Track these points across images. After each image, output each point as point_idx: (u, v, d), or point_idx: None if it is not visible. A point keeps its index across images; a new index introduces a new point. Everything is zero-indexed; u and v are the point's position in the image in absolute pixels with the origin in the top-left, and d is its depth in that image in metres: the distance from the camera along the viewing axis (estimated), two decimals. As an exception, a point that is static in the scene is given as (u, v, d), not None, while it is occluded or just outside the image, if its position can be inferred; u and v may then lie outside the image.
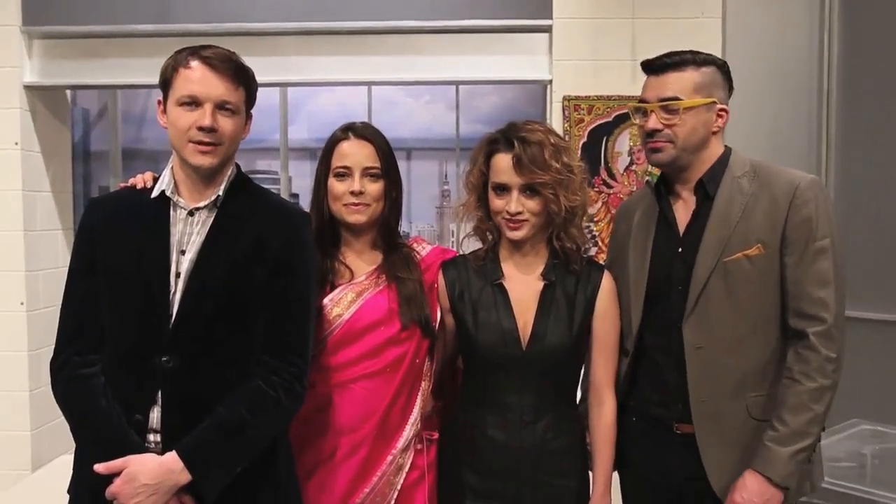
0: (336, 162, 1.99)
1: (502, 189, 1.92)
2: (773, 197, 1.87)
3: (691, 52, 1.92)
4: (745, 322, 1.87)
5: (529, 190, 1.90)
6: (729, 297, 1.87)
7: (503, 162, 1.91)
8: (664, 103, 1.89)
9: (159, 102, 1.78)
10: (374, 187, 1.99)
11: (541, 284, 1.96)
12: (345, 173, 1.98)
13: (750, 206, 1.88)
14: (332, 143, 2.01)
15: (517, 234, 1.93)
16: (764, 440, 1.81)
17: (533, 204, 1.90)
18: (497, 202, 1.93)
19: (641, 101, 1.95)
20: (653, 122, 1.90)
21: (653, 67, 1.94)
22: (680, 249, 1.94)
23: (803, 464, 1.82)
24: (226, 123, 1.73)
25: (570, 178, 1.91)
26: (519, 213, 1.90)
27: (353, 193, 1.96)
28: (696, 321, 1.88)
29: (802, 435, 1.79)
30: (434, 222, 4.99)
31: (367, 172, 1.98)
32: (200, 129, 1.69)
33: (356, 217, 1.98)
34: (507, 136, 1.93)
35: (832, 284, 1.83)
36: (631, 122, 3.31)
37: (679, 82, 1.89)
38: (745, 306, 1.87)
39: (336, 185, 1.98)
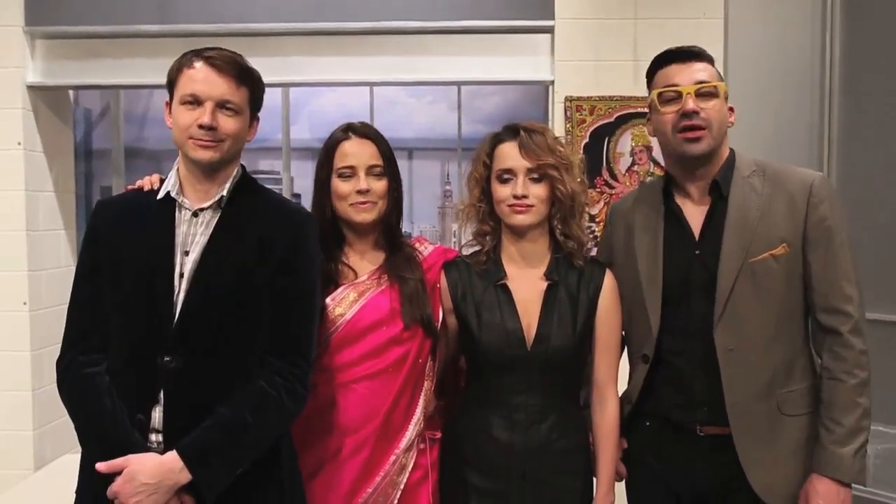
0: (339, 162, 1.99)
1: (508, 175, 1.93)
2: (790, 196, 1.88)
3: (698, 47, 1.95)
4: (774, 321, 1.88)
5: (535, 176, 1.92)
6: (758, 297, 1.87)
7: (509, 149, 1.94)
8: (701, 86, 1.88)
9: (167, 104, 1.79)
10: (379, 185, 1.99)
11: (544, 284, 1.97)
12: (349, 173, 1.98)
13: (766, 205, 1.89)
14: (333, 143, 2.01)
15: (523, 219, 1.93)
16: (824, 444, 1.83)
17: (538, 189, 1.92)
18: (502, 190, 1.94)
19: (670, 86, 1.91)
20: (691, 104, 1.87)
21: (677, 56, 1.93)
22: (697, 252, 1.93)
23: (864, 458, 1.84)
24: (226, 122, 1.74)
25: (572, 163, 1.94)
26: (525, 196, 1.91)
27: (359, 192, 1.97)
28: (726, 324, 1.87)
29: (859, 430, 1.82)
30: (436, 222, 5.00)
31: (371, 171, 1.99)
32: (200, 126, 1.71)
33: (363, 216, 1.98)
34: (510, 129, 1.97)
35: (854, 279, 1.87)
36: (633, 122, 3.34)
37: (707, 70, 1.91)
38: (773, 305, 1.88)
39: (341, 185, 1.98)
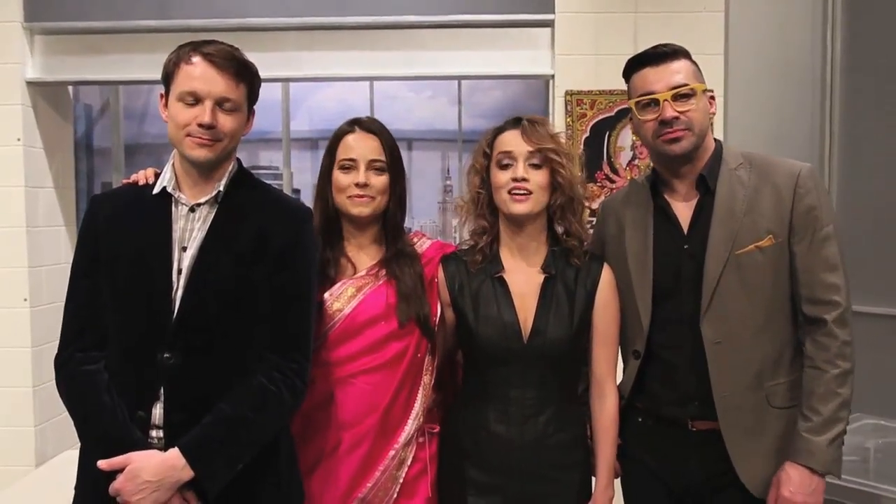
0: (341, 154, 1.99)
1: (508, 160, 1.93)
2: (776, 187, 1.89)
3: (671, 44, 1.93)
4: (761, 313, 1.89)
5: (535, 161, 1.91)
6: (744, 289, 1.87)
7: (510, 135, 1.95)
8: (677, 90, 1.87)
9: (161, 96, 1.78)
10: (379, 180, 1.98)
11: (541, 277, 1.96)
12: (350, 165, 1.97)
13: (752, 197, 1.89)
14: (338, 135, 2.01)
15: (522, 208, 1.92)
16: (799, 432, 1.83)
17: (538, 176, 1.91)
18: (502, 176, 1.93)
19: (646, 93, 1.91)
20: (670, 111, 1.87)
21: (650, 58, 1.92)
22: (686, 246, 1.93)
23: (840, 448, 1.84)
24: (225, 120, 1.72)
25: (572, 155, 1.95)
26: (525, 179, 1.90)
27: (357, 185, 1.96)
28: (713, 316, 1.88)
29: (835, 421, 1.82)
30: (436, 217, 4.99)
31: (372, 165, 1.98)
32: (200, 125, 1.69)
33: (360, 209, 1.97)
34: (512, 119, 1.98)
35: (840, 269, 1.87)
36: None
37: (682, 69, 1.90)
38: (760, 297, 1.88)
39: (341, 177, 1.98)
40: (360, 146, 1.98)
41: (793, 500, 1.81)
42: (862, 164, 3.50)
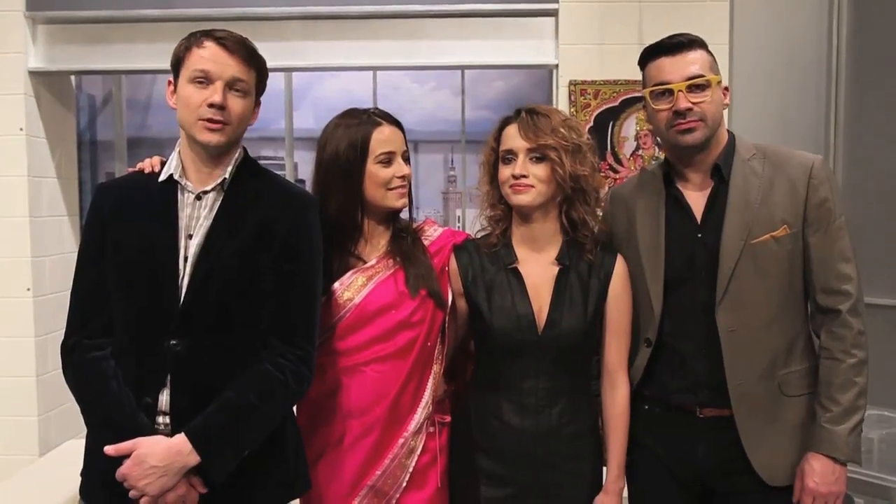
0: (378, 148, 1.94)
1: (510, 155, 1.93)
2: (790, 179, 1.90)
3: (688, 34, 1.93)
4: (775, 302, 1.90)
5: (536, 156, 1.91)
6: (759, 278, 1.88)
7: (512, 130, 1.94)
8: (692, 81, 1.87)
9: (169, 83, 1.78)
10: (409, 169, 2.01)
11: (555, 269, 1.96)
12: (390, 159, 1.96)
13: (767, 188, 1.90)
14: (367, 130, 1.95)
15: (522, 199, 1.92)
16: (820, 422, 1.85)
17: (539, 170, 1.91)
18: (505, 171, 1.94)
19: (661, 83, 1.91)
20: (684, 102, 1.87)
21: (667, 48, 1.91)
22: (700, 234, 1.93)
23: (859, 436, 1.87)
24: (235, 103, 1.73)
25: (578, 146, 1.92)
26: (524, 175, 1.90)
27: (401, 177, 1.97)
28: (728, 305, 1.88)
29: (854, 410, 1.84)
30: (440, 208, 4.99)
31: (404, 156, 1.99)
32: (211, 105, 1.70)
33: (403, 201, 2.00)
34: (517, 111, 1.97)
35: (852, 259, 1.89)
36: (637, 106, 3.31)
37: (699, 60, 1.90)
38: (775, 286, 1.89)
39: (381, 171, 1.95)
40: (394, 138, 1.97)
41: (818, 491, 1.83)
42: (867, 154, 3.49)
